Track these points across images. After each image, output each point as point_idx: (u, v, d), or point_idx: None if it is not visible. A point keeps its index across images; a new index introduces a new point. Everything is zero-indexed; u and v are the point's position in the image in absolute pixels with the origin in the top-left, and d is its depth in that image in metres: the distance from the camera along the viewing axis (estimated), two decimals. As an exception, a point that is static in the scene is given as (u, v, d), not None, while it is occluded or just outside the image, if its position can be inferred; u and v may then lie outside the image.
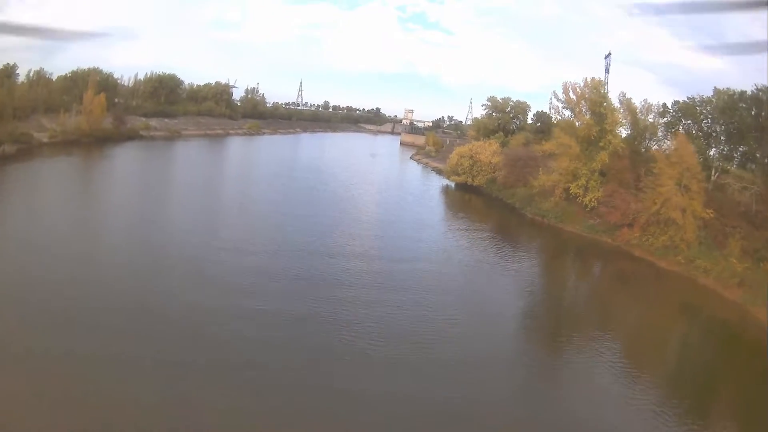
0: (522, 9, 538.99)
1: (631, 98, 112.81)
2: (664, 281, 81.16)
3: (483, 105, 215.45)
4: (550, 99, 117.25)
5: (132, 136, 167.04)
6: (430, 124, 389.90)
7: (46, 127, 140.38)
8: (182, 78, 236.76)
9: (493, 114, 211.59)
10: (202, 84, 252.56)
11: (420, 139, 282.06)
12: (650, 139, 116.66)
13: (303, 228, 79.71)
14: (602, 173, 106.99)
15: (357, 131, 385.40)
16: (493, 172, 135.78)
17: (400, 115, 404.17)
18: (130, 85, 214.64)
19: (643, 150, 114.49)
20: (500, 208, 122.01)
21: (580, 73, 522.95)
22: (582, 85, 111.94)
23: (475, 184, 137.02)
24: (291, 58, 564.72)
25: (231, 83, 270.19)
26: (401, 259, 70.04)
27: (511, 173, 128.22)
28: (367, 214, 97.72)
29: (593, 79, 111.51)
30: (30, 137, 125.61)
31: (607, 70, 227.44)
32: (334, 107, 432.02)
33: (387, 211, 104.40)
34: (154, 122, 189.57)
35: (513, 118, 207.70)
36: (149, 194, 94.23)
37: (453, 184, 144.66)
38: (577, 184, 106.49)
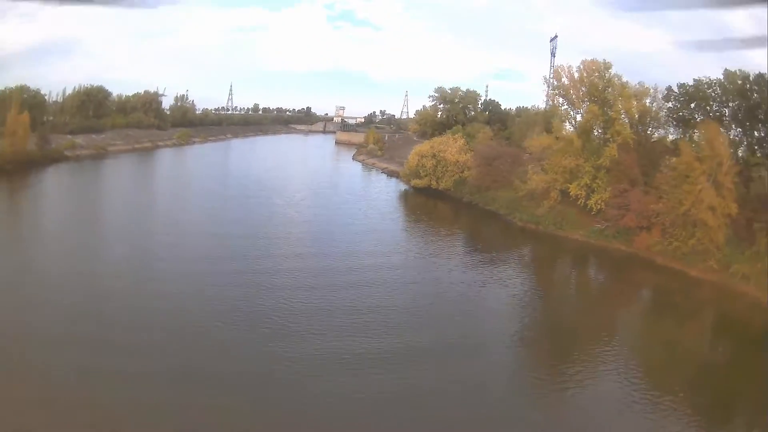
0: (451, 0, 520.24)
1: (627, 81, 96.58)
2: (698, 291, 66.87)
3: (430, 96, 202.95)
4: (546, 87, 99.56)
5: (57, 158, 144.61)
6: (362, 120, 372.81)
7: None
8: (119, 90, 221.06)
9: (441, 105, 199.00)
10: (131, 95, 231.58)
11: (357, 137, 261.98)
12: (652, 127, 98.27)
13: (252, 280, 57.16)
14: (606, 170, 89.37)
15: (288, 132, 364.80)
16: (461, 173, 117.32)
17: (331, 113, 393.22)
18: (61, 100, 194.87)
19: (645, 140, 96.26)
20: (479, 215, 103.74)
21: (517, 60, 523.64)
22: (580, 67, 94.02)
23: (440, 188, 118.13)
24: (220, 62, 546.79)
25: (160, 92, 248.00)
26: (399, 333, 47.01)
27: (486, 174, 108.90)
28: (332, 244, 76.56)
29: (593, 60, 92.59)
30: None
31: (552, 54, 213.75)
32: (264, 109, 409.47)
33: (354, 236, 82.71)
34: (80, 139, 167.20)
35: (463, 108, 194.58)
36: (44, 253, 64.40)
37: (409, 187, 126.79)
38: (579, 184, 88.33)
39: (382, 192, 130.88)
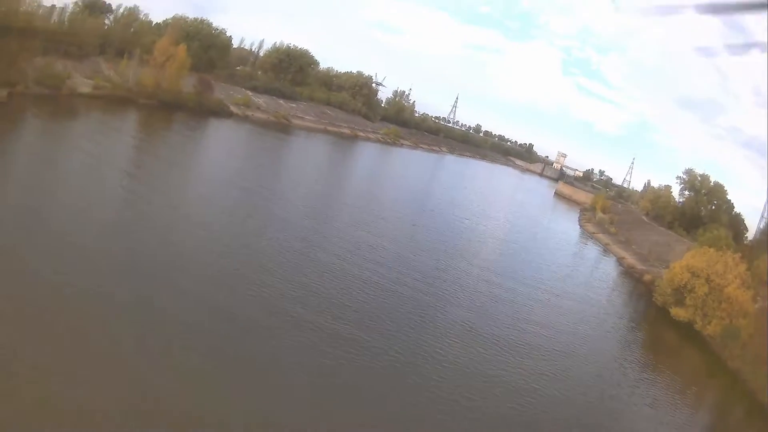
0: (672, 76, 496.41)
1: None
2: None
3: (678, 178, 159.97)
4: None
5: (216, 111, 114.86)
6: (581, 174, 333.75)
7: (105, 74, 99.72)
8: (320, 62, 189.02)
9: (686, 192, 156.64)
10: (341, 72, 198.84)
11: (579, 195, 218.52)
12: None
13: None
14: None
15: (506, 164, 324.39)
16: (732, 318, 69.50)
17: (552, 157, 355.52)
18: (255, 51, 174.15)
19: None
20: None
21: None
22: None
23: (706, 332, 70.44)
24: (448, 73, 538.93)
25: (378, 79, 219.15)
26: None
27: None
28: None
29: None
30: (60, 82, 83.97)
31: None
32: (486, 132, 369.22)
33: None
34: (262, 100, 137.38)
35: (709, 203, 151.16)
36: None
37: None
38: None
39: (629, 309, 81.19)
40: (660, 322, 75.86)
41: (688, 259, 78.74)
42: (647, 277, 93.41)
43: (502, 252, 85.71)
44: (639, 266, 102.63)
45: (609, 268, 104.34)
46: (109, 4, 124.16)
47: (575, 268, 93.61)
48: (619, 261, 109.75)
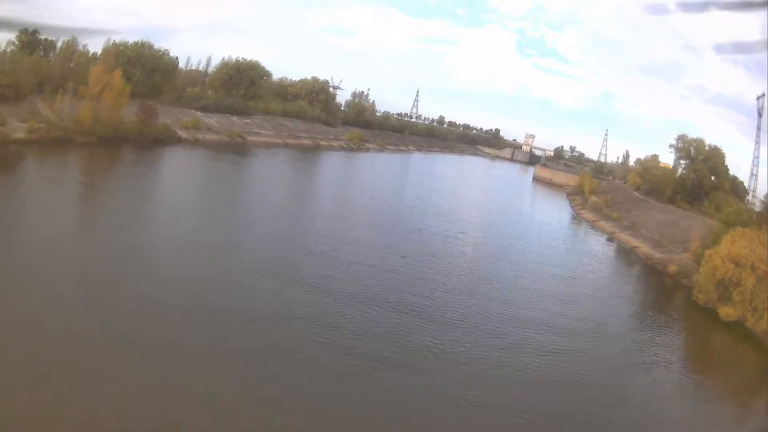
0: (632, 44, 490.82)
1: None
2: None
3: (670, 145, 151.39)
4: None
5: (163, 138, 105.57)
6: (552, 153, 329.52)
7: (42, 114, 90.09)
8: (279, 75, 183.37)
9: (681, 161, 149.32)
10: (295, 80, 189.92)
11: (559, 177, 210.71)
12: None
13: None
14: None
15: (474, 154, 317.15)
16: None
17: (519, 139, 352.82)
18: (204, 70, 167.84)
19: None
20: None
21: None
22: None
23: (759, 329, 60.37)
24: (406, 68, 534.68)
25: (335, 83, 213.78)
26: None
27: None
28: None
29: None
30: (-8, 131, 76.14)
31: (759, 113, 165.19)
32: (450, 123, 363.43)
33: None
34: (214, 120, 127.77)
35: (710, 170, 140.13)
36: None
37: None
38: None
39: (668, 318, 68.39)
40: (707, 323, 65.61)
41: (727, 246, 67.81)
42: (672, 268, 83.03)
43: (516, 273, 71.73)
44: (657, 255, 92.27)
45: (627, 264, 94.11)
46: (52, 41, 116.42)
47: (595, 274, 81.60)
48: (633, 251, 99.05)
